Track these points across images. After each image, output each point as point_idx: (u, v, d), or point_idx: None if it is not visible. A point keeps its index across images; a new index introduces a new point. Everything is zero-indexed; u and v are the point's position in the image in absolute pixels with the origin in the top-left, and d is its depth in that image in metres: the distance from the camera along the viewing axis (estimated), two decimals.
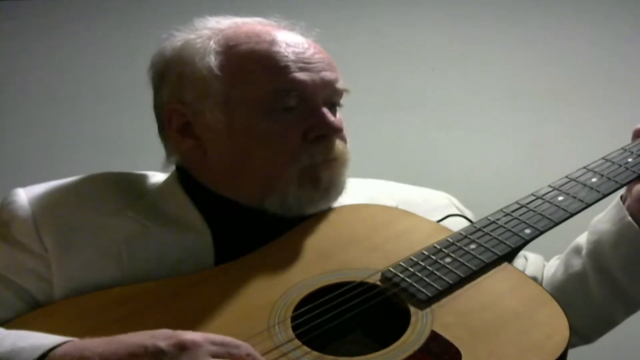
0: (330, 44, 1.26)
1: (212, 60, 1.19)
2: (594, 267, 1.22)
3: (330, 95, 1.22)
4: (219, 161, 1.20)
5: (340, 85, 1.22)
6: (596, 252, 1.22)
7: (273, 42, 1.19)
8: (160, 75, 1.25)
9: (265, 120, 1.17)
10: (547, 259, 1.36)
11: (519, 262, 1.32)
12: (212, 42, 1.21)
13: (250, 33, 1.21)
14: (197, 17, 1.27)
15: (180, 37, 1.24)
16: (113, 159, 2.20)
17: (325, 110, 1.20)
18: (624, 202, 1.21)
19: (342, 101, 1.25)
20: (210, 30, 1.23)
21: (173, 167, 1.28)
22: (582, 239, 1.27)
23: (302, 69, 1.18)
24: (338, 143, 1.21)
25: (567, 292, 1.24)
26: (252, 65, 1.19)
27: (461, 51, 2.43)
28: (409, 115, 2.36)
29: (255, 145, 1.18)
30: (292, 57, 1.19)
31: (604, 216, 1.24)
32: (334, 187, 1.21)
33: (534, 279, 1.28)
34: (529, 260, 1.34)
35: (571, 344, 0.96)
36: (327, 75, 1.20)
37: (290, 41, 1.21)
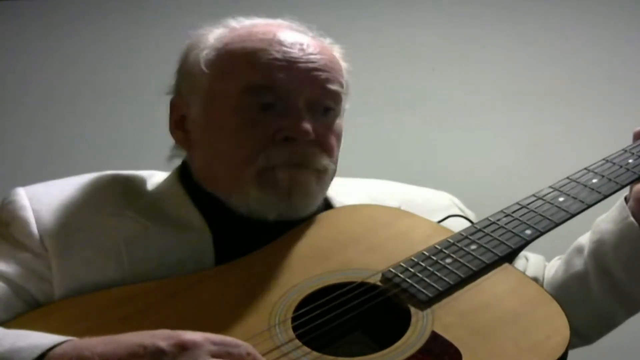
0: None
1: (203, 56, 1.20)
2: (596, 267, 1.22)
3: (318, 96, 1.19)
4: (198, 156, 1.22)
5: (332, 86, 1.19)
6: (598, 252, 1.22)
7: (264, 40, 1.19)
8: (177, 68, 1.27)
9: (237, 116, 1.17)
10: (548, 259, 1.36)
11: (519, 262, 1.32)
12: (212, 39, 1.21)
13: (252, 32, 1.21)
14: (198, 18, 1.27)
15: (199, 32, 1.25)
16: (113, 159, 2.19)
17: (301, 111, 1.16)
18: (627, 203, 1.21)
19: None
20: (225, 28, 1.24)
21: (174, 167, 1.28)
22: (584, 239, 1.27)
23: (284, 68, 1.16)
24: (311, 151, 1.17)
25: (568, 292, 1.24)
26: (235, 61, 1.19)
27: (461, 51, 2.43)
28: (409, 115, 2.36)
29: (224, 140, 1.18)
30: (278, 55, 1.17)
31: (607, 216, 1.24)
32: (297, 192, 1.16)
33: (535, 279, 1.27)
34: (530, 261, 1.34)
35: (571, 344, 0.96)
36: (317, 74, 1.18)
37: (286, 40, 1.19)
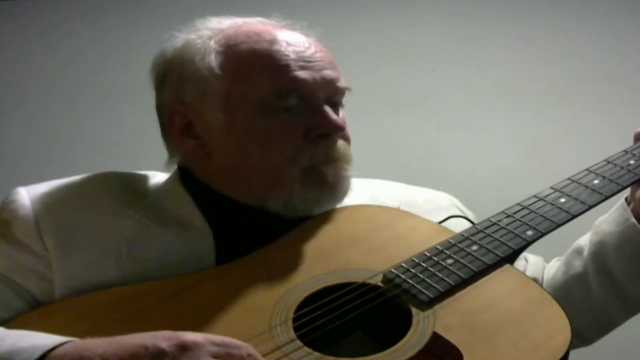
0: (330, 44, 1.26)
1: (213, 60, 1.19)
2: (596, 268, 1.22)
3: (331, 93, 1.21)
4: (221, 161, 1.20)
5: (341, 83, 1.22)
6: (598, 253, 1.22)
7: (273, 41, 1.19)
8: (161, 76, 1.24)
9: (264, 119, 1.17)
10: (548, 260, 1.36)
11: (519, 263, 1.31)
12: (212, 42, 1.20)
13: (251, 32, 1.21)
14: (198, 18, 1.26)
15: (181, 38, 1.24)
16: (113, 159, 2.19)
17: (327, 108, 1.19)
18: (628, 204, 1.21)
19: (343, 100, 1.25)
20: (210, 31, 1.23)
21: (175, 167, 1.28)
22: (584, 240, 1.27)
23: (302, 68, 1.18)
24: (340, 143, 1.20)
25: (567, 293, 1.24)
26: (252, 64, 1.18)
27: (461, 51, 2.43)
28: (409, 115, 2.36)
29: (255, 145, 1.17)
30: (292, 55, 1.18)
31: (608, 217, 1.24)
32: (340, 186, 1.20)
33: (534, 280, 1.27)
34: (529, 262, 1.34)
35: (571, 345, 0.96)
36: (329, 73, 1.20)
37: (291, 40, 1.20)
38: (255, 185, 1.19)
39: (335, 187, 1.20)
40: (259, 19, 1.26)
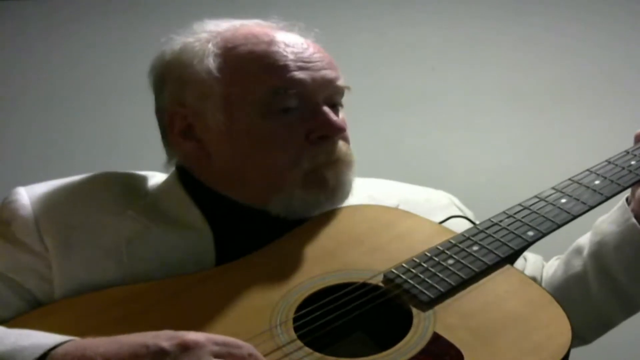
0: (330, 44, 1.26)
1: (211, 62, 1.19)
2: (595, 268, 1.22)
3: (331, 94, 1.21)
4: (222, 163, 1.20)
5: (341, 83, 1.22)
6: (598, 252, 1.22)
7: (271, 42, 1.19)
8: (160, 79, 1.24)
9: (265, 121, 1.17)
10: (547, 259, 1.36)
11: (518, 262, 1.31)
12: (210, 45, 1.20)
13: (249, 34, 1.21)
14: (196, 21, 1.26)
15: (179, 41, 1.24)
16: (113, 159, 2.20)
17: (327, 109, 1.19)
18: (629, 205, 1.21)
19: (343, 100, 1.25)
20: (208, 33, 1.23)
21: (173, 168, 1.28)
22: (584, 240, 1.27)
23: (301, 68, 1.18)
24: (341, 144, 1.20)
25: (566, 292, 1.24)
26: (251, 65, 1.18)
27: (461, 51, 2.43)
28: (409, 115, 2.36)
29: (256, 146, 1.17)
30: (291, 56, 1.18)
31: (608, 217, 1.24)
32: (341, 188, 1.20)
33: (533, 279, 1.28)
34: (528, 261, 1.34)
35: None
36: (327, 73, 1.20)
37: (289, 41, 1.20)
38: (257, 188, 1.19)
39: (335, 191, 1.20)
40: (257, 20, 1.26)
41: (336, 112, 1.22)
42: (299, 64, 1.18)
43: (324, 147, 1.18)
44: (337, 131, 1.19)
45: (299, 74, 1.17)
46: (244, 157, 1.18)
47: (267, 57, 1.18)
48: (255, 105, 1.17)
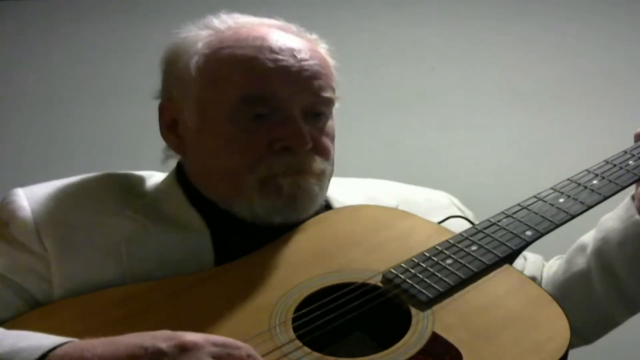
0: (330, 44, 1.26)
1: (193, 62, 1.19)
2: (599, 265, 1.22)
3: (312, 103, 1.18)
4: (195, 162, 1.22)
5: (326, 93, 1.19)
6: (602, 249, 1.22)
7: (258, 47, 1.17)
8: (161, 69, 1.26)
9: (231, 125, 1.16)
10: (548, 259, 1.36)
11: (518, 262, 1.31)
12: (200, 45, 1.20)
13: (244, 36, 1.19)
14: (199, 17, 1.26)
15: (182, 35, 1.24)
16: (113, 159, 2.20)
17: (298, 120, 1.16)
18: (634, 202, 1.21)
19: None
20: (209, 31, 1.22)
21: (173, 167, 1.28)
22: (588, 238, 1.27)
23: (279, 77, 1.15)
24: (313, 158, 1.18)
25: (569, 290, 1.24)
26: (228, 69, 1.17)
27: (461, 51, 2.43)
28: (409, 115, 2.36)
29: (220, 150, 1.17)
30: (270, 64, 1.16)
31: (613, 214, 1.24)
32: (300, 197, 1.17)
33: (533, 278, 1.28)
34: (528, 260, 1.34)
35: (571, 344, 0.96)
36: (312, 83, 1.17)
37: (279, 47, 1.17)
38: (220, 189, 1.19)
39: (295, 199, 1.16)
40: (273, 21, 1.24)
41: (319, 122, 1.20)
42: (277, 72, 1.15)
43: (285, 158, 1.15)
44: (302, 144, 1.15)
45: (273, 83, 1.15)
46: (209, 158, 1.19)
47: (246, 62, 1.17)
48: (224, 108, 1.16)
